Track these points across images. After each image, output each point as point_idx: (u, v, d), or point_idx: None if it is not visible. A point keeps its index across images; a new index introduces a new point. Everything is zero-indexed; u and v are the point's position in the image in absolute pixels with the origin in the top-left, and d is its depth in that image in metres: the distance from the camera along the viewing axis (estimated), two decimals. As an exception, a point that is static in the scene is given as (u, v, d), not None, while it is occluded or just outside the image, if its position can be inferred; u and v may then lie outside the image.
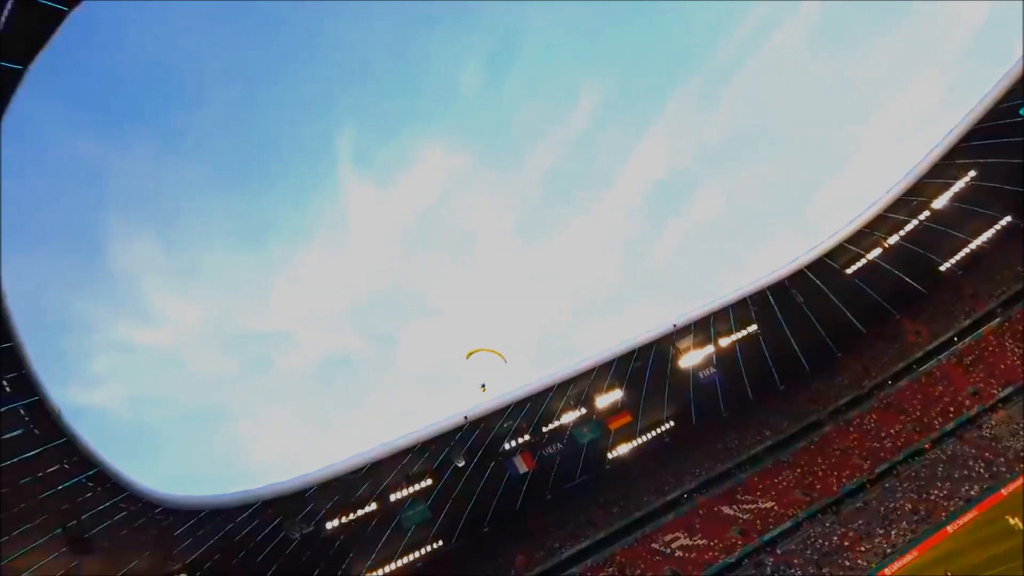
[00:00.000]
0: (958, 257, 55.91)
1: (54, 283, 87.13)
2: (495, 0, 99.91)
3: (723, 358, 53.42)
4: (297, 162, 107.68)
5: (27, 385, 26.47)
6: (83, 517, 32.65)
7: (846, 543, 46.58)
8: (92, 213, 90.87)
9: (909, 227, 51.68)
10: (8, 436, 26.98)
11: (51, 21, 17.60)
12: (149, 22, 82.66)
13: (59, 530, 31.82)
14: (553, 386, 48.15)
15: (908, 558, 43.25)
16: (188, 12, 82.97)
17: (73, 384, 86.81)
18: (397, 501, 46.48)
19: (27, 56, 18.19)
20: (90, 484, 31.94)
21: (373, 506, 45.68)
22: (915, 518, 45.86)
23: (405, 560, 51.11)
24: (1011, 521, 36.52)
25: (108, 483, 32.67)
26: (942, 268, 56.51)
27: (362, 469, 44.23)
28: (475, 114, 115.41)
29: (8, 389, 25.86)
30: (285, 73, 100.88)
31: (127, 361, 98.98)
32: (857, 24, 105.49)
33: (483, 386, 36.31)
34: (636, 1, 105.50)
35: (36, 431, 27.98)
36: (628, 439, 55.98)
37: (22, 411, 26.97)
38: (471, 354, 33.81)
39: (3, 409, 26.17)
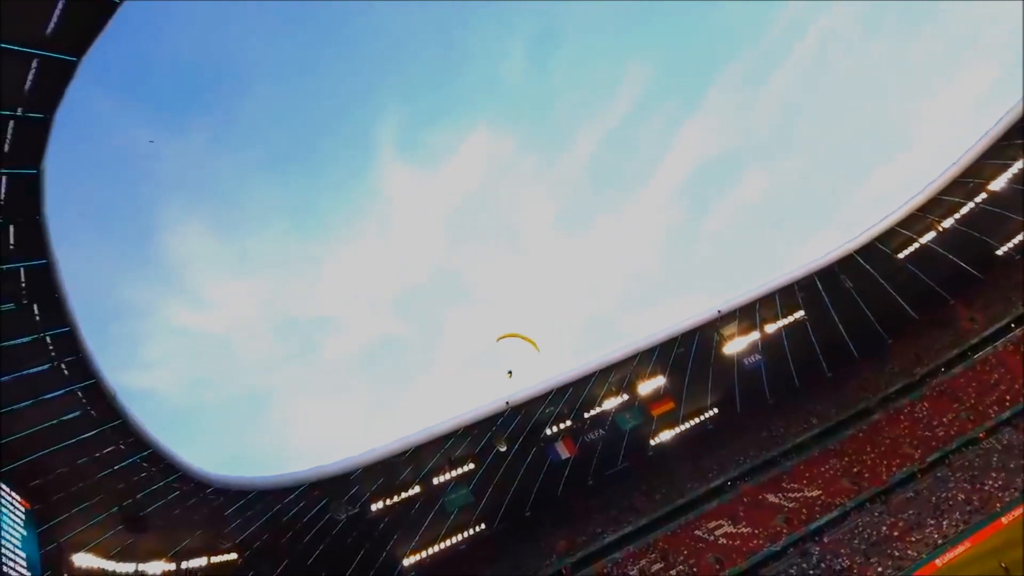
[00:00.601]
0: (1016, 240, 53.72)
1: (110, 269, 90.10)
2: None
3: (769, 344, 52.45)
4: (343, 148, 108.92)
5: (84, 368, 27.39)
6: (138, 496, 33.80)
7: (895, 533, 45.62)
8: (147, 200, 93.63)
9: (965, 210, 49.77)
10: (67, 418, 28.02)
11: (103, 13, 17.99)
12: (199, 11, 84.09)
13: (116, 508, 33.00)
14: (595, 372, 47.97)
15: (960, 549, 42.17)
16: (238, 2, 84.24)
17: (128, 367, 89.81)
18: (440, 484, 47.00)
19: (80, 48, 18.63)
20: (144, 464, 32.99)
21: (416, 489, 46.31)
22: (968, 509, 44.63)
23: (448, 543, 51.82)
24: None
25: (162, 463, 33.70)
26: (999, 252, 54.31)
27: (406, 453, 44.84)
28: (518, 99, 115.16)
29: (67, 372, 26.80)
30: (331, 59, 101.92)
31: (179, 345, 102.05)
32: (911, 3, 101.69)
33: (510, 372, 35.93)
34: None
35: (93, 413, 28.97)
36: (671, 426, 55.55)
37: (80, 394, 27.95)
38: (502, 338, 33.39)
39: (62, 392, 27.16)
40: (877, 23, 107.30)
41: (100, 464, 30.93)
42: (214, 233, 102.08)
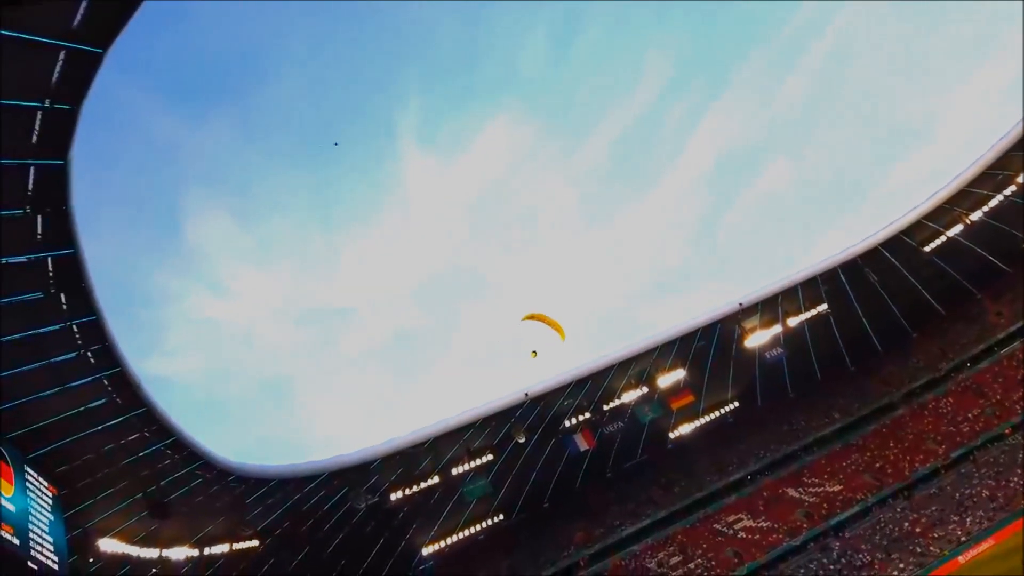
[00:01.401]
0: (1047, 234, 52.72)
1: (135, 257, 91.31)
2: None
3: (791, 338, 51.92)
4: (363, 137, 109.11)
5: (109, 356, 27.74)
6: (162, 483, 34.24)
7: (917, 529, 45.15)
8: (171, 189, 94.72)
9: (993, 203, 48.82)
10: (92, 405, 28.41)
11: (128, 5, 18.09)
12: (222, 2, 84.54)
13: (140, 495, 33.46)
14: (614, 364, 47.82)
15: (984, 546, 41.63)
16: None
17: (151, 355, 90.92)
18: (459, 475, 47.13)
19: (106, 40, 18.74)
20: (168, 452, 33.41)
21: (435, 479, 46.46)
22: (992, 506, 44.03)
23: (466, 532, 52.06)
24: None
25: (185, 451, 34.10)
26: (1029, 246, 53.40)
27: (425, 443, 45.05)
28: (539, 87, 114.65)
29: (93, 361, 27.17)
30: (351, 48, 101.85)
31: (202, 333, 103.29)
32: None
33: (535, 352, 35.31)
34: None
35: (118, 400, 29.36)
36: (691, 419, 55.28)
37: (105, 382, 28.32)
38: (527, 318, 32.69)
39: (88, 380, 27.54)
40: (904, 11, 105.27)
41: (125, 451, 31.35)
42: (236, 221, 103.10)
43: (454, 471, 46.79)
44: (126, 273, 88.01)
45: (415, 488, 45.98)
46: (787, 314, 50.26)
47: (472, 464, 47.21)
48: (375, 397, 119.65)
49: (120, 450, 31.11)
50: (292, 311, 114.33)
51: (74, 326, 25.46)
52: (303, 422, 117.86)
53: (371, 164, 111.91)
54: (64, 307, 24.63)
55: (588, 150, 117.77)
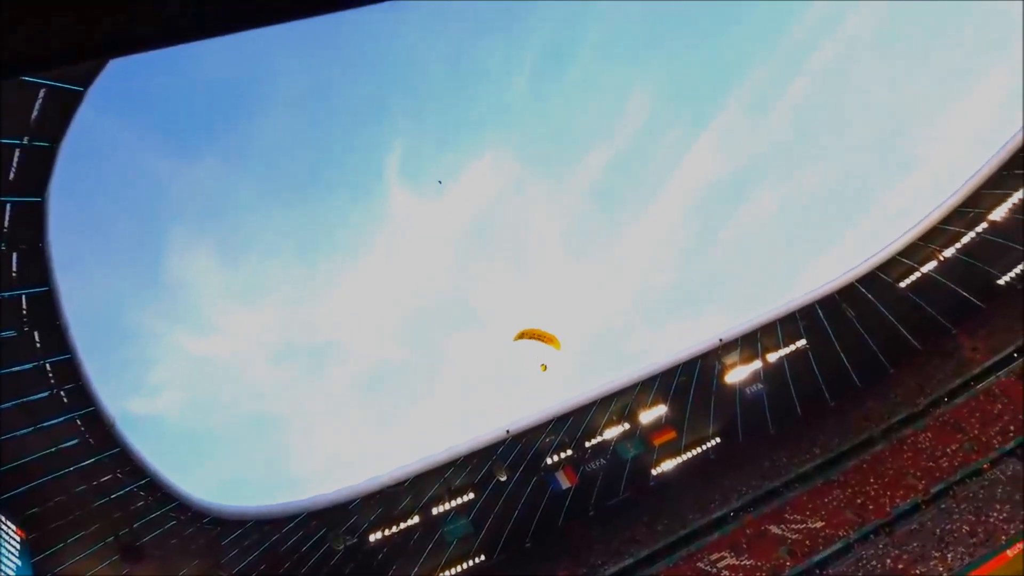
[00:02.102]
0: (1018, 270, 53.78)
1: (117, 294, 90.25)
2: (546, 6, 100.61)
3: (770, 373, 52.29)
4: (351, 174, 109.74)
5: (84, 395, 27.35)
6: (135, 525, 33.50)
7: (900, 566, 45.04)
8: (155, 225, 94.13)
9: (966, 239, 49.95)
10: (65, 446, 27.88)
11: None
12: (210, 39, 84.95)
13: (112, 538, 32.69)
14: (596, 400, 47.81)
15: (966, 583, 41.66)
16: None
17: (131, 394, 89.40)
18: (439, 515, 46.58)
19: (88, 77, 18.85)
20: (142, 493, 32.78)
21: (416, 519, 45.88)
22: (973, 541, 44.11)
23: (447, 574, 51.13)
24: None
25: (159, 492, 33.48)
26: (1001, 281, 54.39)
27: (405, 482, 44.54)
28: (526, 122, 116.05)
29: (66, 400, 26.74)
30: (338, 87, 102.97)
31: (184, 370, 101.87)
32: (921, 27, 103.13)
33: (544, 366, 34.58)
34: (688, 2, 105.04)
35: (91, 441, 28.86)
36: (672, 455, 55.14)
37: (78, 421, 27.85)
38: (520, 338, 32.14)
39: (61, 419, 27.08)
40: (885, 47, 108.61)
41: (97, 492, 30.72)
42: (221, 258, 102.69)
43: (435, 510, 46.23)
44: (107, 310, 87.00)
45: (395, 528, 45.35)
46: (766, 349, 50.64)
47: (453, 503, 46.71)
48: (358, 433, 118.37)
49: (92, 491, 30.49)
50: (276, 347, 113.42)
51: (47, 364, 25.13)
52: (285, 459, 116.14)
53: (358, 200, 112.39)
54: (38, 345, 24.31)
55: (574, 183, 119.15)
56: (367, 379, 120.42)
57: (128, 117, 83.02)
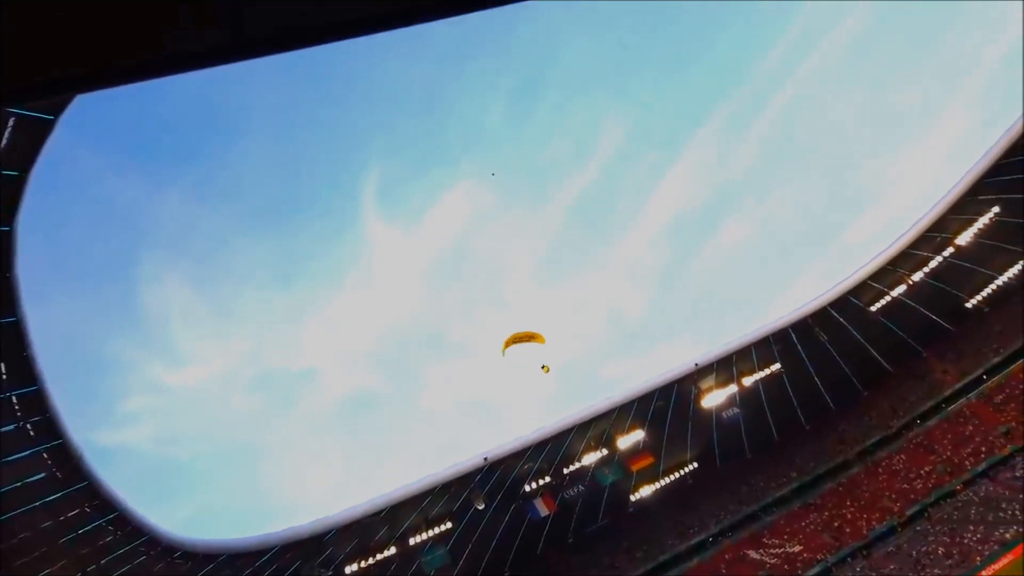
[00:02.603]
0: (984, 293, 54.98)
1: (88, 323, 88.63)
2: (520, 37, 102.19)
3: (746, 397, 52.69)
4: (326, 201, 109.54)
5: (51, 428, 26.78)
6: (103, 561, 32.65)
7: (878, 589, 45.20)
8: (127, 254, 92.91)
9: (934, 263, 51.05)
10: (31, 480, 27.21)
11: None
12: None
13: (79, 574, 31.83)
14: (574, 427, 47.75)
15: (943, 605, 41.85)
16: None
17: (103, 425, 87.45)
18: (417, 545, 45.96)
19: (59, 106, 18.76)
20: (111, 527, 32.01)
21: (392, 550, 45.24)
22: (948, 563, 44.40)
23: (425, 606, 50.40)
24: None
25: (128, 526, 32.74)
26: (968, 305, 55.54)
27: (381, 512, 43.96)
28: (500, 151, 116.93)
29: (32, 433, 26.16)
30: (316, 114, 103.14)
31: (156, 401, 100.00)
32: (888, 56, 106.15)
33: (545, 367, 33.42)
34: (659, 36, 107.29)
35: (59, 475, 28.21)
36: (651, 480, 55.08)
37: (45, 455, 27.23)
38: (508, 347, 31.41)
39: (27, 453, 26.46)
40: (855, 74, 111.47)
41: (64, 527, 29.98)
42: (194, 287, 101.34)
43: (412, 540, 45.64)
44: (77, 341, 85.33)
45: (371, 560, 44.65)
46: (742, 373, 51.05)
47: (430, 533, 46.17)
48: (334, 463, 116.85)
49: (59, 527, 29.73)
50: (250, 376, 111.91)
51: (13, 397, 24.60)
52: (260, 491, 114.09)
53: (334, 228, 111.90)
54: (4, 376, 23.82)
55: (549, 211, 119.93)
56: (343, 408, 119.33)
57: (100, 144, 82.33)
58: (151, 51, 1.61)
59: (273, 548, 40.59)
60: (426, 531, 45.91)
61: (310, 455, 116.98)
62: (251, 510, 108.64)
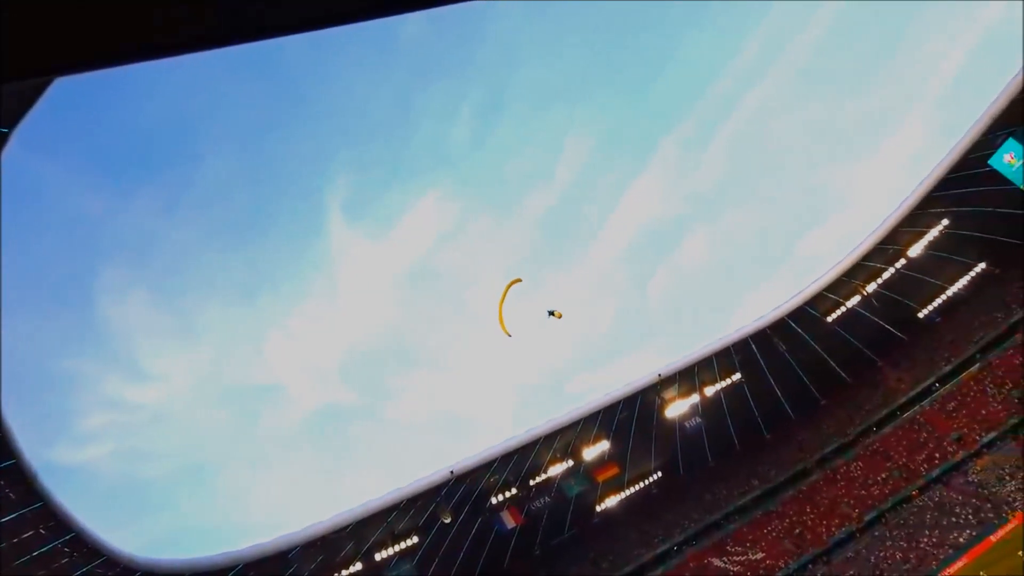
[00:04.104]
0: (936, 304, 56.79)
1: (46, 339, 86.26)
2: (485, 54, 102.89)
3: (708, 407, 53.50)
4: (292, 217, 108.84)
5: (3, 447, 26.02)
6: (58, 585, 31.75)
7: (838, 595, 46.06)
8: (86, 267, 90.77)
9: (886, 275, 52.63)
10: (-17, 502, 26.43)
11: (34, 89, 17.90)
12: (152, 77, 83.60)
13: (33, 599, 30.89)
14: (539, 439, 47.88)
15: (900, 609, 42.77)
16: (191, 67, 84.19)
17: (59, 443, 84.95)
18: (383, 560, 45.56)
19: (12, 119, 18.43)
20: (67, 549, 31.15)
21: (358, 566, 44.77)
22: (905, 567, 45.49)
23: (390, 622, 49.85)
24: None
25: (85, 547, 31.92)
26: (921, 315, 57.31)
27: (347, 528, 43.48)
28: (466, 166, 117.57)
29: (-16, 453, 25.45)
30: (283, 129, 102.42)
31: (116, 417, 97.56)
32: (842, 74, 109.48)
33: (557, 312, 31.06)
34: (623, 50, 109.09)
35: (12, 496, 27.40)
36: (616, 491, 55.49)
37: (-2, 475, 26.48)
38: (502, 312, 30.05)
39: (-21, 474, 25.71)
40: (810, 93, 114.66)
41: (18, 550, 29.07)
42: (156, 300, 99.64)
43: (377, 556, 45.24)
44: (33, 357, 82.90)
45: (337, 576, 44.11)
46: (704, 383, 51.84)
47: (396, 548, 45.80)
48: (300, 479, 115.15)
49: (12, 549, 28.82)
50: (213, 391, 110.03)
51: (-34, 417, 23.90)
52: (223, 509, 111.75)
53: (300, 241, 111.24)
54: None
55: (515, 224, 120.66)
56: (310, 423, 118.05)
57: (59, 157, 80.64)
58: (127, 32, 1.58)
59: (236, 566, 39.83)
60: (392, 546, 45.55)
61: (276, 471, 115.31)
62: (216, 528, 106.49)
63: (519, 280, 28.79)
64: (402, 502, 44.74)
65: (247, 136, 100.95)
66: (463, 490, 47.30)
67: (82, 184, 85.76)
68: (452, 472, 45.25)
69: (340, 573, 44.06)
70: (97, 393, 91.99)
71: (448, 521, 47.25)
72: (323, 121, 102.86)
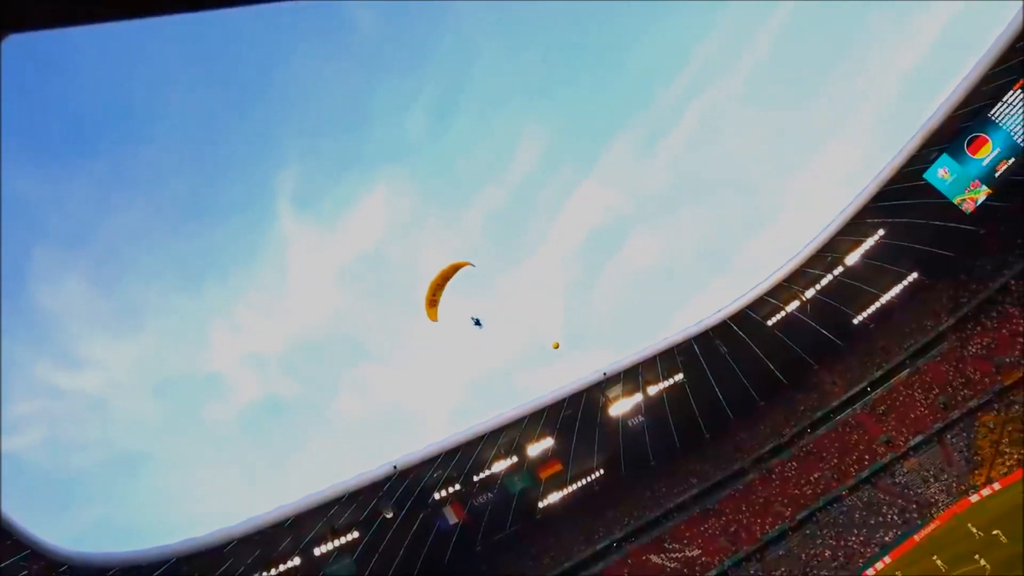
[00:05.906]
0: (870, 311, 58.90)
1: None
2: (440, 51, 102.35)
3: (651, 406, 54.41)
4: (240, 201, 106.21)
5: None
6: (-21, 578, 30.53)
7: (770, 590, 47.37)
8: (19, 249, 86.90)
9: (824, 282, 54.33)
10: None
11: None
12: (99, 52, 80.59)
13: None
14: (484, 435, 47.93)
15: (828, 604, 44.23)
16: (141, 45, 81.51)
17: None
18: (322, 556, 45.03)
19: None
20: (-11, 542, 29.95)
21: (296, 561, 44.08)
22: (834, 564, 47.14)
23: (328, 617, 49.29)
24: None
25: (9, 540, 30.71)
26: (855, 321, 59.40)
27: (285, 522, 42.78)
28: (419, 159, 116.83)
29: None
30: (231, 115, 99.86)
31: (48, 405, 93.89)
32: (787, 86, 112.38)
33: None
34: (578, 53, 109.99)
35: (-69, 485, 26.21)
36: (559, 487, 56.04)
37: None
38: (432, 308, 29.69)
39: None
40: (755, 101, 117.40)
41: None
42: (93, 286, 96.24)
43: (316, 551, 44.68)
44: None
45: (273, 571, 43.33)
46: (647, 383, 52.68)
47: (336, 543, 45.31)
48: (239, 471, 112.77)
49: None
50: (152, 380, 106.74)
51: None
52: (158, 501, 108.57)
53: (247, 229, 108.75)
54: None
55: (466, 219, 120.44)
56: (250, 415, 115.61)
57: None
58: None
59: (169, 560, 38.80)
60: (332, 541, 45.05)
61: (215, 463, 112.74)
62: (150, 521, 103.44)
63: (468, 263, 28.51)
64: (343, 496, 44.23)
65: (195, 118, 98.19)
66: (406, 485, 47.06)
67: (13, 164, 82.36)
68: (395, 467, 44.96)
69: (278, 568, 43.33)
70: (28, 378, 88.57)
71: (390, 516, 47.00)
72: (275, 108, 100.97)
